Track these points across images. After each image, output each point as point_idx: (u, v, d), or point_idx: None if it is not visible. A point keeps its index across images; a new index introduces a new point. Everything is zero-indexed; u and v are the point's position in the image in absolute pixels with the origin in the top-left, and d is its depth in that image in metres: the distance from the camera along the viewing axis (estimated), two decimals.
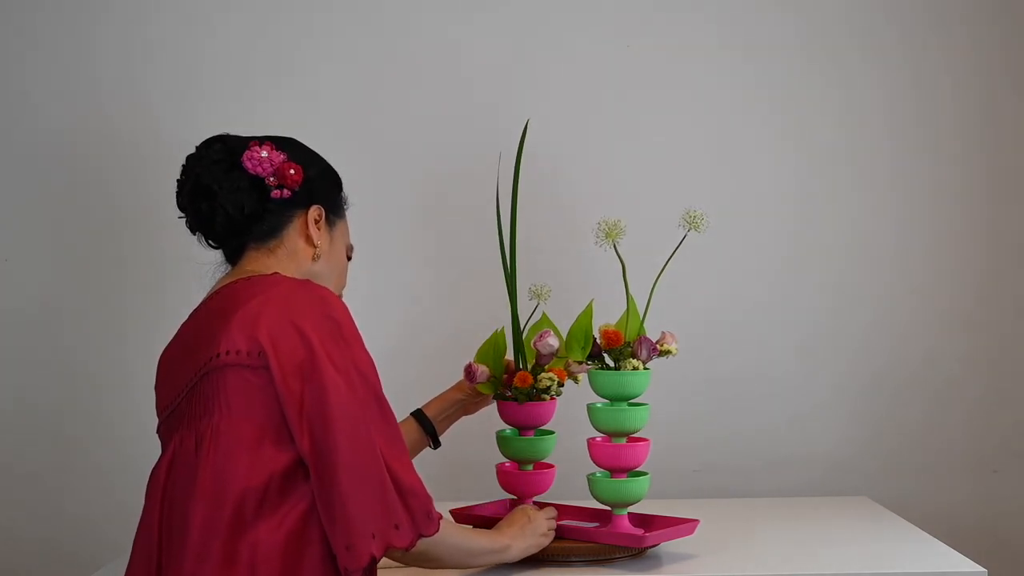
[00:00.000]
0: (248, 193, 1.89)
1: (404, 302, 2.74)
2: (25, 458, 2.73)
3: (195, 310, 1.89)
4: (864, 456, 2.78)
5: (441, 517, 1.81)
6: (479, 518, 2.23)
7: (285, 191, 1.90)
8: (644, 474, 2.15)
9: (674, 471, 2.71)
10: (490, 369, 2.23)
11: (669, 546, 2.19)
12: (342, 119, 2.72)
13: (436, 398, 2.29)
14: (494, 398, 2.24)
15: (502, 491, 2.26)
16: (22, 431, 2.73)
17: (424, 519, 1.77)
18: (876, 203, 2.78)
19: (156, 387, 1.90)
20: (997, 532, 2.78)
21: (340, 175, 2.03)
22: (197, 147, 1.93)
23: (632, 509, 2.17)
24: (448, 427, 2.30)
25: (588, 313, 2.19)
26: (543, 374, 2.19)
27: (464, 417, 2.30)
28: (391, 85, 2.73)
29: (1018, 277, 2.79)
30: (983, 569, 2.06)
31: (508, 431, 2.23)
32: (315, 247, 1.93)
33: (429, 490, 1.79)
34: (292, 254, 1.92)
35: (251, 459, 1.73)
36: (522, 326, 2.23)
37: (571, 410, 2.28)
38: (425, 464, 2.70)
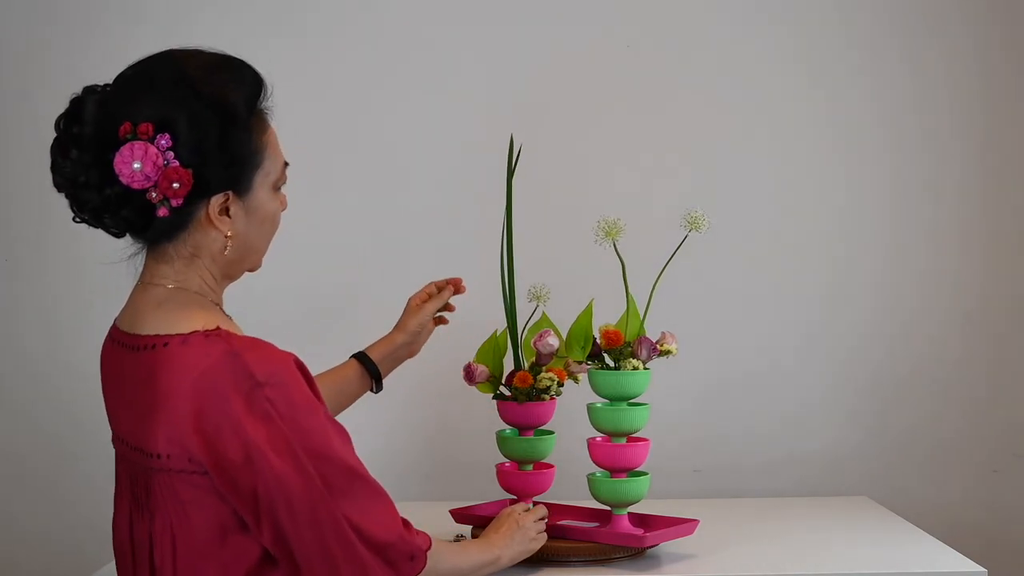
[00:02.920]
0: (127, 209, 1.62)
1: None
2: (27, 458, 2.73)
3: (119, 322, 1.73)
4: (864, 456, 2.78)
5: (428, 546, 1.73)
6: (479, 518, 2.23)
7: (175, 201, 1.62)
8: (644, 474, 2.15)
9: (674, 471, 2.71)
10: (490, 369, 2.23)
11: (669, 546, 2.19)
12: (341, 116, 2.71)
13: (380, 340, 2.20)
14: (493, 398, 2.24)
15: (502, 491, 2.26)
16: (25, 431, 2.73)
17: (407, 564, 1.69)
18: (876, 203, 2.78)
19: (103, 391, 1.76)
20: (997, 532, 2.78)
21: (261, 80, 1.72)
22: (62, 120, 1.65)
23: (632, 509, 2.17)
24: (392, 369, 2.22)
25: (588, 313, 2.19)
26: (543, 374, 2.19)
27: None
28: (390, 81, 2.72)
29: (1018, 276, 2.79)
30: (983, 569, 2.06)
31: (508, 431, 2.23)
32: (227, 238, 1.69)
33: (429, 490, 1.78)
34: (199, 251, 1.69)
35: (220, 558, 1.63)
36: (520, 327, 2.23)
37: (571, 410, 2.28)
38: (425, 464, 2.72)
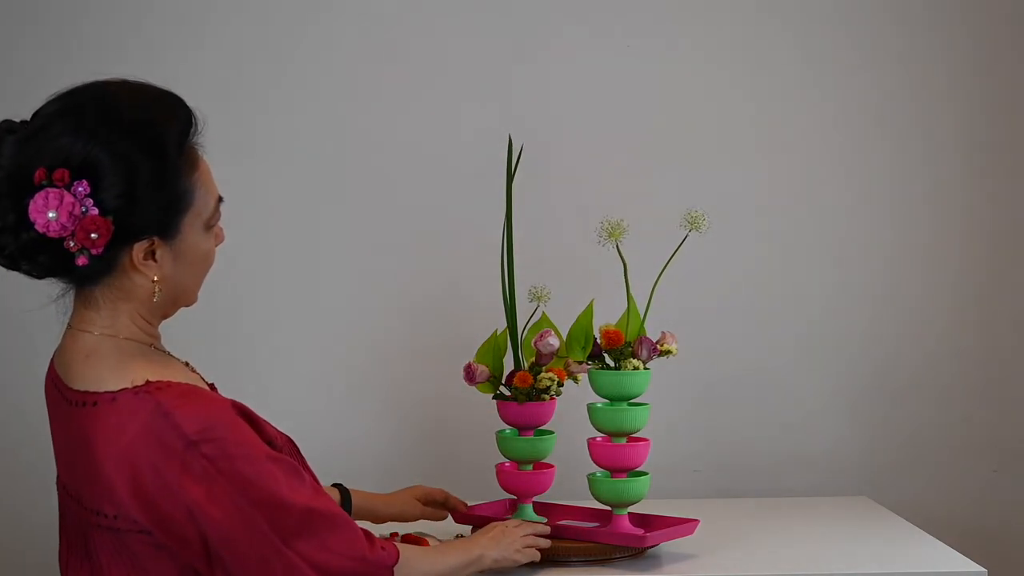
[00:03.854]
0: (44, 255, 1.54)
1: (405, 301, 2.73)
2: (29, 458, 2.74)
3: (54, 367, 1.68)
4: (864, 456, 2.78)
5: (395, 561, 1.70)
6: (479, 518, 2.23)
7: (94, 250, 1.53)
8: (644, 474, 2.15)
9: (674, 471, 2.71)
10: (490, 369, 2.23)
11: (669, 546, 2.19)
12: (339, 120, 2.71)
13: (364, 493, 2.17)
14: (494, 398, 2.23)
15: (502, 491, 2.25)
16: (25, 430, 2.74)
17: None
18: (877, 203, 2.78)
19: (50, 428, 1.69)
20: (997, 532, 2.78)
21: (188, 117, 1.62)
22: None
23: (632, 509, 2.17)
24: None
25: (588, 313, 2.19)
26: (543, 374, 2.19)
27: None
28: (389, 84, 2.72)
29: (1019, 276, 2.79)
30: (983, 569, 2.06)
31: (508, 431, 2.23)
32: (154, 282, 1.61)
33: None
34: (126, 295, 1.62)
35: None
36: (520, 327, 2.23)
37: (571, 410, 2.28)
38: (425, 465, 2.71)
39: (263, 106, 2.69)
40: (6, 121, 1.59)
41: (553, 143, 2.69)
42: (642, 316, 2.15)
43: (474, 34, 2.73)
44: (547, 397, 2.19)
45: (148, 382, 1.57)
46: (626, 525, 2.15)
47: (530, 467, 2.22)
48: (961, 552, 2.19)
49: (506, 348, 2.24)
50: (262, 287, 2.67)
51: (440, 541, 2.16)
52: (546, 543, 2.05)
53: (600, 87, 2.74)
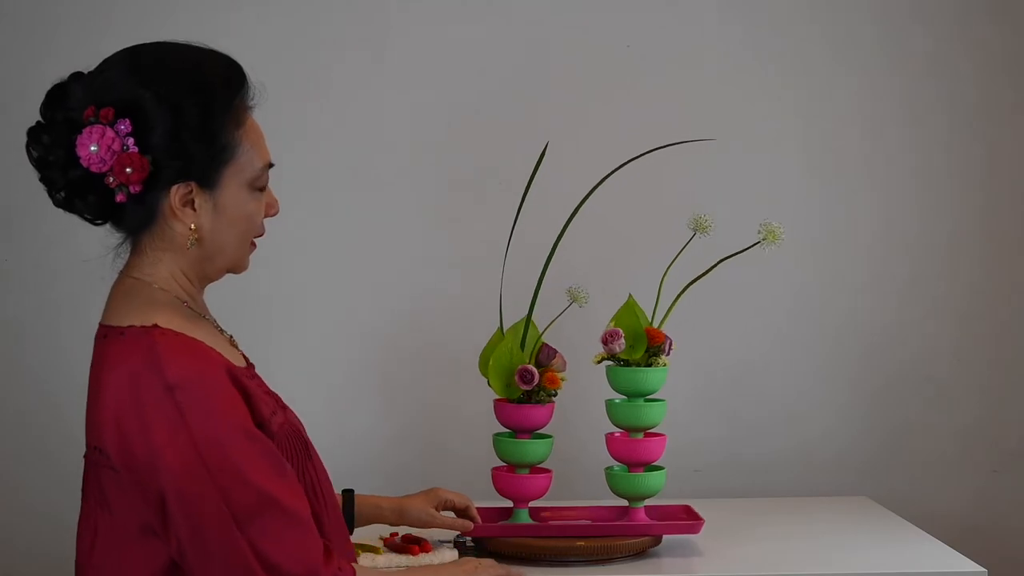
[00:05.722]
0: (91, 194, 1.62)
1: (404, 301, 2.74)
2: (29, 458, 2.74)
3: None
4: (864, 456, 2.78)
5: (351, 571, 1.64)
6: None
7: (132, 188, 1.60)
8: (660, 468, 2.20)
9: (674, 471, 2.70)
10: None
11: (669, 546, 2.20)
12: (354, 115, 2.71)
13: (374, 496, 2.11)
14: (514, 400, 2.21)
15: (498, 496, 2.25)
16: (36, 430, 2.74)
17: None
18: (878, 202, 2.78)
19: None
20: (997, 532, 2.78)
21: (241, 73, 1.68)
22: (42, 105, 1.64)
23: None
24: (365, 524, 2.11)
25: (635, 310, 2.20)
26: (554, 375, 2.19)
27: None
28: (401, 81, 2.72)
29: (1019, 276, 2.79)
30: (983, 569, 2.06)
31: (504, 434, 2.22)
32: (190, 230, 1.65)
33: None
34: (167, 244, 1.66)
35: (134, 559, 1.59)
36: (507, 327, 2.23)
37: (568, 412, 2.28)
38: (421, 468, 2.71)
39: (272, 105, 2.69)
40: (76, 71, 1.66)
41: (577, 140, 2.69)
42: (656, 315, 2.20)
43: (479, 32, 2.73)
44: (545, 400, 2.19)
45: (156, 325, 1.60)
46: (643, 517, 2.19)
47: (526, 471, 2.21)
48: (961, 552, 2.19)
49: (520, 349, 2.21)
50: (262, 287, 2.67)
51: (440, 542, 2.16)
52: None
53: (601, 85, 2.74)
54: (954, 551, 2.18)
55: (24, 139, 1.64)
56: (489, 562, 1.89)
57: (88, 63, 1.66)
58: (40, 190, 1.66)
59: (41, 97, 1.63)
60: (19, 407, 2.70)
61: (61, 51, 2.68)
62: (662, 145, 2.30)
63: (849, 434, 2.78)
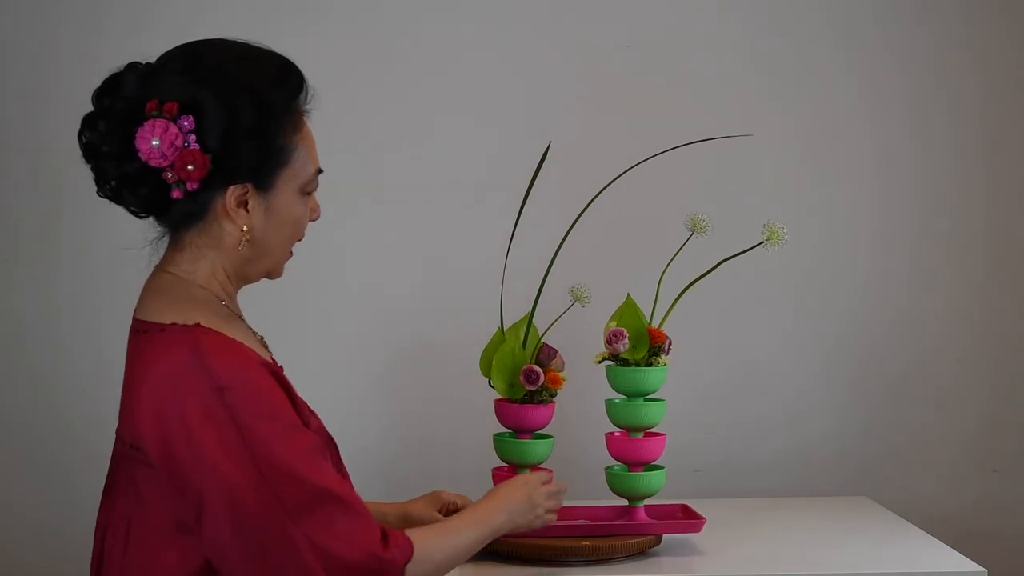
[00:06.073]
0: (144, 187, 1.61)
1: (405, 301, 2.74)
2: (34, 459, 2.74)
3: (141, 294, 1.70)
4: (864, 456, 2.78)
5: (408, 558, 1.63)
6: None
7: (190, 185, 1.60)
8: (660, 468, 2.20)
9: (674, 471, 2.70)
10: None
11: (669, 546, 2.20)
12: (354, 116, 2.71)
13: (386, 504, 2.09)
14: (518, 400, 2.21)
15: None
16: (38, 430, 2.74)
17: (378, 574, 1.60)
18: (878, 202, 2.78)
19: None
20: (997, 532, 2.78)
21: (298, 77, 1.68)
22: (97, 92, 1.64)
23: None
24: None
25: (636, 311, 2.20)
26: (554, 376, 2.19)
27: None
28: (403, 82, 2.72)
29: (1021, 276, 2.79)
30: (983, 569, 2.06)
31: (505, 434, 2.22)
32: (242, 232, 1.65)
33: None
34: (213, 243, 1.66)
35: (169, 557, 1.58)
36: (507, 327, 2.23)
37: (568, 412, 2.28)
38: (421, 467, 2.72)
39: None
40: (133, 62, 1.65)
41: (586, 141, 2.69)
42: (656, 315, 2.20)
43: (479, 33, 2.73)
44: (546, 400, 2.19)
45: (198, 324, 1.60)
46: (643, 517, 2.20)
47: (527, 471, 2.20)
48: (961, 552, 2.19)
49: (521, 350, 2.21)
50: (261, 290, 2.67)
51: None
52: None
53: (601, 86, 2.74)
54: (954, 551, 2.18)
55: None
56: (539, 484, 1.90)
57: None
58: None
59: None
60: (20, 407, 2.70)
61: (62, 51, 2.68)
62: (695, 140, 2.31)
63: (849, 434, 2.79)
